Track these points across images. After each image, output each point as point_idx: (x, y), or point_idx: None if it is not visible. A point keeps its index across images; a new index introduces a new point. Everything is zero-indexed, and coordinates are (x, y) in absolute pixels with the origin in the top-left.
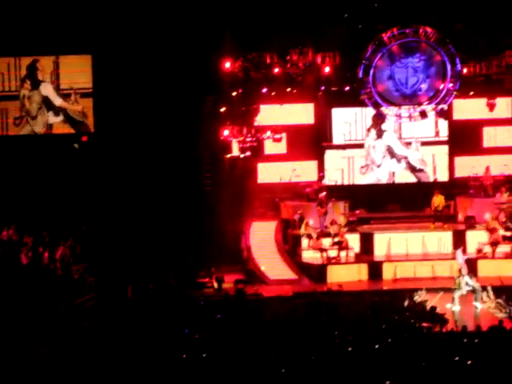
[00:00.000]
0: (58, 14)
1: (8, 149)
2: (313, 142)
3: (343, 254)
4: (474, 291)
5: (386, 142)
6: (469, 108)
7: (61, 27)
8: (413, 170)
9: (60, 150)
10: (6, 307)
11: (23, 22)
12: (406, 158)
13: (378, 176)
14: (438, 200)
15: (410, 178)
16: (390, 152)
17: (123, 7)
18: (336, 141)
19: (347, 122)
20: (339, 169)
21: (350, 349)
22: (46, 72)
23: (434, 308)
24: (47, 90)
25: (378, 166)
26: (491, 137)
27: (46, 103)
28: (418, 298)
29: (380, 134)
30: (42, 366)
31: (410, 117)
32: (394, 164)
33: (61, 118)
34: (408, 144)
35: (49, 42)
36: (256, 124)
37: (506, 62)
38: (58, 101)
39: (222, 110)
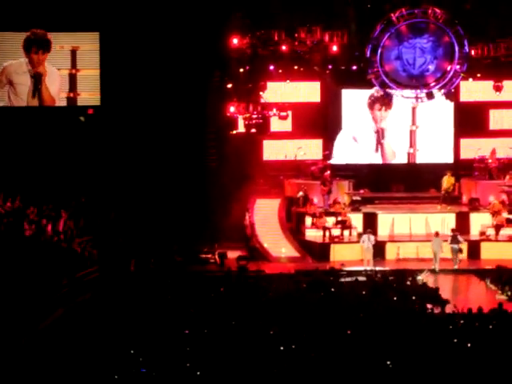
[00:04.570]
0: None
1: (14, 120)
2: (319, 120)
3: (346, 233)
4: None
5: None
6: (476, 90)
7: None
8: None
9: (66, 121)
10: (8, 278)
11: None
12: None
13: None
14: (449, 181)
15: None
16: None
17: None
18: (345, 123)
19: (357, 103)
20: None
21: (350, 328)
22: None
23: (436, 289)
24: None
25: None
26: (497, 119)
27: None
28: (420, 278)
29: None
30: (44, 337)
31: (416, 97)
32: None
33: None
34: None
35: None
36: (262, 101)
37: None
38: None
39: (229, 86)
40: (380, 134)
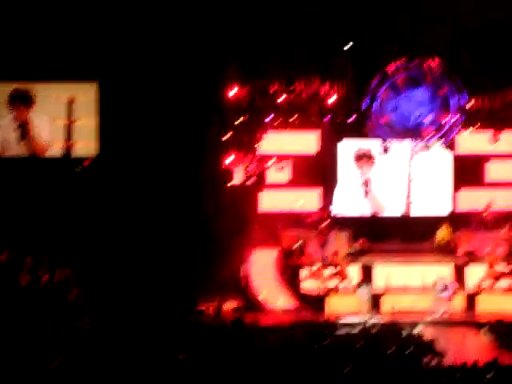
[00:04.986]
0: (64, 38)
1: (7, 169)
2: (316, 171)
3: (342, 284)
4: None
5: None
6: (473, 142)
7: (66, 52)
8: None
9: (62, 172)
10: (5, 330)
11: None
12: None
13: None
14: (444, 233)
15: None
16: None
17: (128, 32)
18: (342, 173)
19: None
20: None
21: (345, 380)
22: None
23: (432, 341)
24: None
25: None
26: (494, 171)
27: None
28: (416, 331)
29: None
30: None
31: (412, 149)
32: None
33: None
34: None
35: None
36: (259, 152)
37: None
38: None
39: (225, 137)
40: (367, 186)
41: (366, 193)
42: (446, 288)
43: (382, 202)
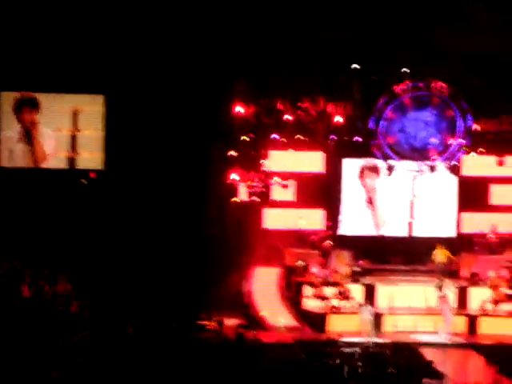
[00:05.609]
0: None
1: (13, 181)
2: (320, 190)
3: (345, 303)
4: None
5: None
6: (478, 164)
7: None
8: None
9: (67, 184)
10: (5, 340)
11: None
12: None
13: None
14: (442, 254)
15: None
16: None
17: (137, 49)
18: (347, 193)
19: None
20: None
21: None
22: None
23: (432, 363)
24: None
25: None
26: (499, 194)
27: None
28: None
29: None
30: None
31: (418, 170)
32: None
33: None
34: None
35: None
36: (264, 169)
37: None
38: None
39: (231, 153)
40: (371, 204)
41: (370, 211)
42: (444, 299)
43: (386, 221)
